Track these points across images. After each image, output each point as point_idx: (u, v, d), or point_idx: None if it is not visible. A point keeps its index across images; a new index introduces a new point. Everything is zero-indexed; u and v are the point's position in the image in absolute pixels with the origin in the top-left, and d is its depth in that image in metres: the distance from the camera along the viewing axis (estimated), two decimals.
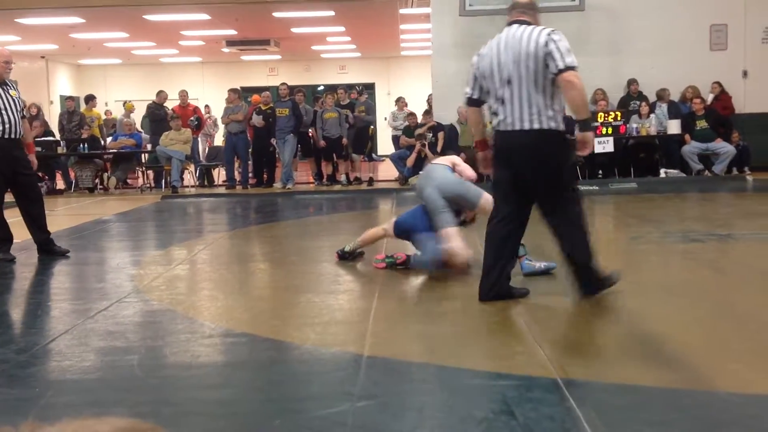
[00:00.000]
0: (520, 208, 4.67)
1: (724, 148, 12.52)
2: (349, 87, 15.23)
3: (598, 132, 12.44)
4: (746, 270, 5.79)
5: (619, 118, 12.53)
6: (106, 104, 22.30)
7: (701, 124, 12.60)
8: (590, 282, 4.57)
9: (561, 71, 4.38)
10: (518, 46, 4.51)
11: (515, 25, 4.68)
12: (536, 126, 4.48)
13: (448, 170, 5.90)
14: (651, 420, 2.76)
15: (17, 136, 6.69)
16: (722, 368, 3.31)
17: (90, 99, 15.63)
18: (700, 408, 2.88)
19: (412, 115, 14.20)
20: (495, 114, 4.63)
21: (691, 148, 12.59)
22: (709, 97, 13.07)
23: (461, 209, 5.86)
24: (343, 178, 14.02)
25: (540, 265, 5.37)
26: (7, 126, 6.60)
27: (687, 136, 12.63)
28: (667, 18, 13.39)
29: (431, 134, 13.19)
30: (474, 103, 4.81)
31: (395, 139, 15.66)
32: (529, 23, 4.69)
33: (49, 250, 6.81)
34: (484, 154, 4.90)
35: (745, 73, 13.43)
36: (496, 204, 4.75)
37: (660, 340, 3.77)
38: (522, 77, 4.48)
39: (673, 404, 2.92)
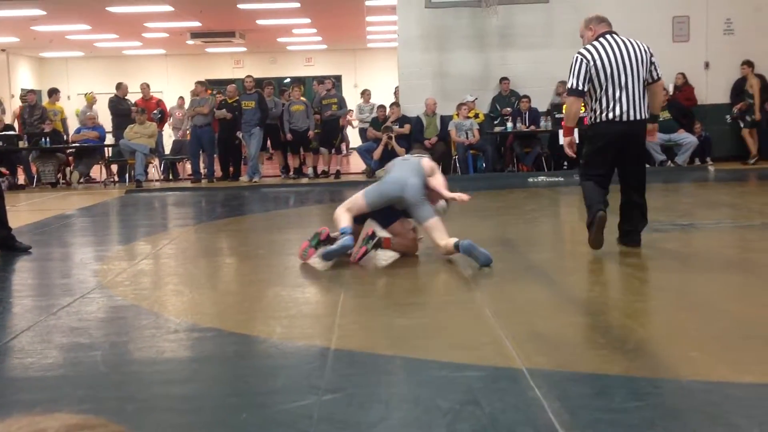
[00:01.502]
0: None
1: (687, 139, 12.69)
2: (322, 80, 15.20)
3: (562, 124, 12.53)
4: (707, 259, 5.88)
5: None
6: (69, 97, 22.01)
7: (664, 115, 12.74)
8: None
9: (659, 79, 5.84)
10: (634, 53, 5.68)
11: (614, 35, 5.82)
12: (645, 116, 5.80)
13: (422, 176, 5.87)
14: (613, 408, 2.80)
15: None
16: (683, 356, 3.36)
17: (53, 93, 15.41)
18: (661, 395, 2.93)
19: (381, 107, 14.20)
20: (618, 104, 5.65)
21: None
22: (670, 87, 13.21)
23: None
24: (310, 171, 13.99)
25: (482, 250, 5.37)
26: None
27: None
28: (630, 10, 13.49)
29: (398, 126, 13.21)
30: (580, 94, 5.75)
31: (362, 132, 15.66)
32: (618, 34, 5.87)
33: (10, 247, 6.71)
34: (571, 139, 6.02)
35: (707, 65, 13.61)
36: (595, 173, 5.77)
37: (622, 330, 3.82)
38: (637, 78, 5.67)
39: (634, 392, 2.96)
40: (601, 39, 5.77)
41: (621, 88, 5.63)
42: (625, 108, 5.65)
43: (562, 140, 6.40)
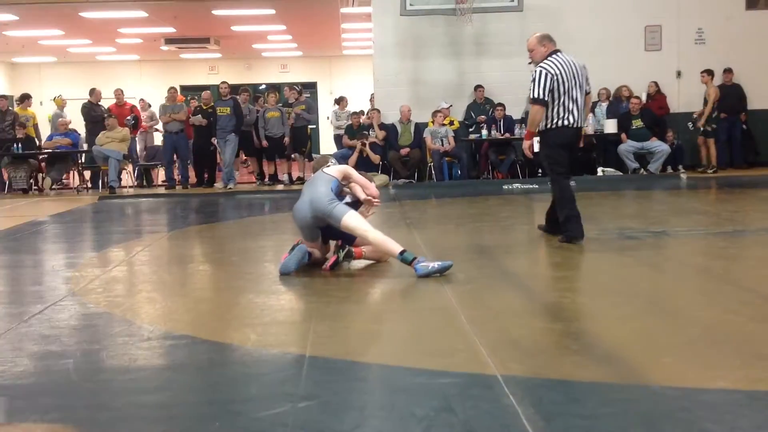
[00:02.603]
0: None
1: (659, 147, 12.82)
2: (293, 86, 15.17)
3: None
4: (679, 266, 5.94)
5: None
6: (41, 103, 21.81)
7: (637, 123, 12.89)
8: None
9: (589, 92, 6.93)
10: (578, 69, 6.65)
11: (561, 53, 6.71)
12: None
13: (332, 184, 5.73)
14: (585, 414, 2.82)
15: None
16: (655, 362, 3.39)
17: (25, 98, 15.25)
18: (633, 401, 2.95)
19: (355, 114, 14.20)
20: (570, 112, 6.59)
21: (627, 147, 12.86)
22: (643, 96, 13.35)
23: (357, 202, 5.89)
24: (285, 177, 13.96)
25: (434, 265, 5.30)
26: None
27: (623, 135, 12.89)
28: (603, 19, 13.66)
29: (372, 133, 13.23)
30: (544, 103, 6.55)
31: (337, 139, 15.66)
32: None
33: None
34: (531, 143, 6.81)
35: (679, 74, 13.76)
36: (563, 170, 6.74)
37: (595, 336, 3.84)
38: (581, 91, 6.67)
39: (607, 398, 2.98)
40: (555, 56, 6.64)
41: (572, 100, 6.59)
42: (575, 116, 6.64)
43: (524, 144, 6.95)
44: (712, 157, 13.03)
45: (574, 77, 6.59)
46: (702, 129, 12.97)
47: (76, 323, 4.48)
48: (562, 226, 6.72)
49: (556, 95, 6.54)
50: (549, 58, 6.63)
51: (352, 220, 5.54)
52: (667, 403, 2.92)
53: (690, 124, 13.22)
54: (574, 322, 4.14)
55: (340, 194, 5.80)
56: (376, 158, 12.95)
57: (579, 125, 6.70)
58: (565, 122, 6.61)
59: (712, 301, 4.54)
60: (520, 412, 2.82)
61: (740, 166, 13.49)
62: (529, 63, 6.93)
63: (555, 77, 6.51)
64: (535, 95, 6.53)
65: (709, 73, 12.97)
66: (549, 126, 6.66)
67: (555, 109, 6.59)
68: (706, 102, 13.01)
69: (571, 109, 6.60)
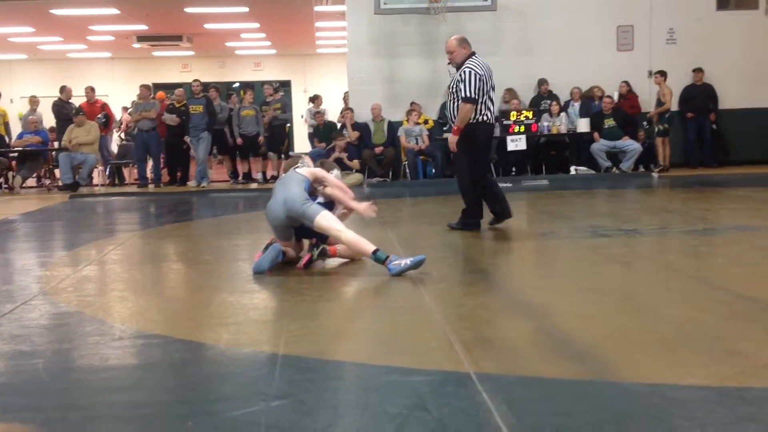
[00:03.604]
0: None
1: (631, 146, 12.93)
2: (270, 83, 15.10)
3: (510, 130, 12.69)
4: (651, 264, 6.00)
5: (531, 117, 12.80)
6: (12, 101, 21.55)
7: (609, 122, 12.99)
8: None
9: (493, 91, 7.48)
10: (490, 70, 7.26)
11: (476, 54, 7.27)
12: None
13: (305, 184, 5.72)
14: (558, 411, 2.84)
15: None
16: (626, 359, 3.42)
17: None
18: (605, 398, 2.97)
19: (319, 113, 14.17)
20: (489, 110, 7.21)
21: (600, 146, 12.95)
22: (615, 95, 13.46)
23: (334, 204, 5.89)
24: (259, 176, 13.91)
25: (406, 262, 5.30)
26: None
27: (596, 134, 12.99)
28: (575, 19, 13.74)
29: (345, 133, 13.21)
30: (475, 102, 7.08)
31: (311, 137, 15.63)
32: None
33: None
34: (457, 138, 7.21)
35: (650, 73, 13.88)
36: (482, 166, 7.42)
37: (567, 334, 3.87)
38: (493, 91, 7.30)
39: (579, 395, 3.00)
40: (474, 58, 7.19)
41: (491, 99, 7.23)
42: (492, 113, 7.29)
43: (450, 139, 7.34)
44: (666, 157, 13.19)
45: (490, 78, 7.22)
46: (657, 129, 13.12)
47: (47, 323, 4.43)
48: (464, 217, 7.38)
49: (480, 94, 7.09)
50: (471, 60, 7.14)
51: (325, 220, 5.53)
52: (638, 400, 2.94)
53: (645, 124, 13.37)
54: (547, 319, 4.16)
55: (312, 194, 5.79)
56: (354, 164, 12.92)
57: (494, 122, 7.46)
58: (486, 119, 7.20)
59: (683, 299, 4.58)
60: (494, 409, 2.83)
61: (711, 165, 13.64)
62: (449, 64, 7.49)
63: (482, 77, 7.07)
64: (468, 94, 7.03)
65: (662, 74, 13.15)
66: (475, 122, 7.16)
67: (479, 108, 7.12)
68: (660, 103, 13.16)
69: (490, 107, 7.22)
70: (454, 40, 7.30)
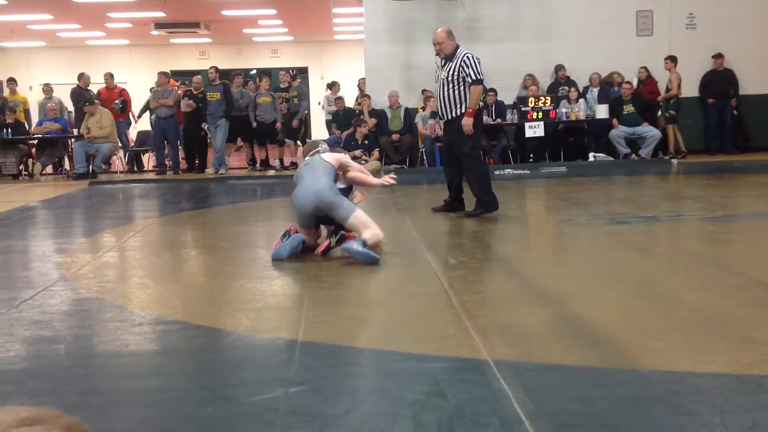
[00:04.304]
0: None
1: (650, 132, 12.84)
2: (287, 70, 15.09)
3: (528, 117, 12.64)
4: (669, 251, 5.97)
5: (548, 104, 12.73)
6: (31, 88, 21.68)
7: (628, 108, 12.89)
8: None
9: None
10: None
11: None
12: None
13: (332, 174, 5.74)
14: (576, 397, 2.84)
15: None
16: (645, 346, 3.41)
17: (10, 82, 15.14)
18: (623, 385, 2.97)
19: (339, 99, 14.14)
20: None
21: (619, 132, 12.87)
22: (634, 81, 13.35)
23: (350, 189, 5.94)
24: (276, 163, 13.93)
25: (360, 249, 5.31)
26: None
27: (615, 121, 12.90)
28: (594, 4, 13.64)
29: (362, 118, 13.19)
30: (483, 83, 7.52)
31: (329, 124, 15.62)
32: None
33: None
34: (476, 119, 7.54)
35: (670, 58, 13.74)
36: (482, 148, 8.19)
37: (585, 321, 3.86)
38: None
39: (597, 382, 3.00)
40: (462, 48, 7.54)
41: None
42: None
43: (466, 122, 7.42)
44: (680, 142, 13.07)
45: None
46: (669, 115, 13.00)
47: (68, 308, 4.47)
48: (481, 201, 7.49)
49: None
50: (461, 49, 7.49)
51: (358, 219, 5.57)
52: (656, 387, 2.93)
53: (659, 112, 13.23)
54: (565, 306, 4.16)
55: (335, 180, 5.81)
56: (374, 156, 12.87)
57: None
58: (482, 104, 7.81)
59: (702, 286, 4.56)
60: (512, 396, 2.83)
61: (731, 151, 13.52)
62: (437, 55, 7.63)
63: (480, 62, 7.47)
64: (477, 77, 7.38)
65: (672, 59, 13.00)
66: (477, 107, 7.53)
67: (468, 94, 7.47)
68: (668, 89, 13.04)
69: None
70: (442, 32, 7.51)
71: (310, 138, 16.83)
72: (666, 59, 13.07)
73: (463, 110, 7.42)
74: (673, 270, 5.18)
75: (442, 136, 8.37)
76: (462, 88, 7.42)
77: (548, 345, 3.50)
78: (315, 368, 3.25)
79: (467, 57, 7.38)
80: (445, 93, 7.49)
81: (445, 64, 7.52)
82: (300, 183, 5.79)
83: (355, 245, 5.33)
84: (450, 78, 7.44)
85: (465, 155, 7.50)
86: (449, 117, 7.54)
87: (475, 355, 3.31)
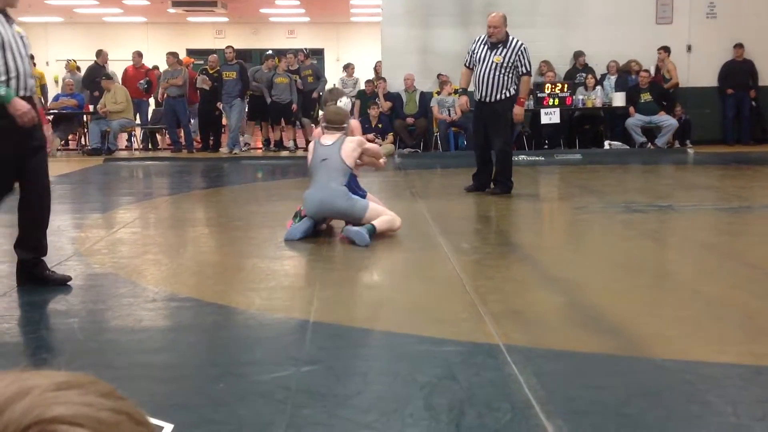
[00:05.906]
0: None
1: (667, 121, 12.73)
2: (297, 51, 14.96)
3: (544, 103, 12.57)
4: (684, 241, 5.93)
5: (565, 90, 12.66)
6: (48, 63, 21.73)
7: (645, 97, 12.79)
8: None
9: None
10: None
11: None
12: None
13: (346, 177, 5.64)
14: (588, 385, 2.83)
15: (30, 93, 4.40)
16: (658, 335, 3.40)
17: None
18: (636, 374, 2.96)
19: (368, 82, 14.07)
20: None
21: (635, 120, 12.77)
22: (652, 69, 13.23)
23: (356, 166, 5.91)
24: (291, 144, 13.92)
25: (358, 231, 5.35)
26: (13, 77, 4.21)
27: (631, 109, 12.81)
28: None
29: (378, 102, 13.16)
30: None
31: None
32: None
33: (39, 276, 4.28)
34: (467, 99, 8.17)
35: (689, 48, 13.63)
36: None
37: (599, 308, 3.85)
38: None
39: (610, 370, 2.99)
40: (512, 36, 7.67)
41: None
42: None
43: (519, 111, 7.90)
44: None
45: None
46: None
47: (82, 283, 4.49)
48: (504, 184, 7.77)
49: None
50: (511, 37, 7.63)
51: (375, 212, 5.60)
52: (669, 376, 2.93)
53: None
54: (578, 293, 4.15)
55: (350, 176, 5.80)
56: (388, 139, 12.82)
57: None
58: (512, 92, 7.76)
59: (717, 277, 4.54)
60: (523, 381, 2.83)
61: (748, 143, 13.41)
62: (489, 37, 7.65)
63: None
64: (529, 69, 7.69)
65: (666, 49, 12.87)
66: (512, 96, 7.73)
67: (513, 81, 7.72)
68: (666, 80, 12.92)
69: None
70: (500, 17, 7.61)
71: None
72: (659, 49, 12.93)
73: (507, 95, 7.64)
74: (687, 260, 5.15)
75: (473, 116, 8.27)
76: (511, 74, 7.62)
77: (561, 332, 3.49)
78: (327, 348, 3.26)
79: (524, 48, 7.61)
80: (493, 76, 7.60)
81: (497, 49, 7.61)
82: (312, 181, 5.76)
83: (355, 227, 5.36)
84: (504, 63, 7.60)
85: (499, 138, 7.74)
86: (491, 99, 7.65)
87: (488, 340, 3.31)
